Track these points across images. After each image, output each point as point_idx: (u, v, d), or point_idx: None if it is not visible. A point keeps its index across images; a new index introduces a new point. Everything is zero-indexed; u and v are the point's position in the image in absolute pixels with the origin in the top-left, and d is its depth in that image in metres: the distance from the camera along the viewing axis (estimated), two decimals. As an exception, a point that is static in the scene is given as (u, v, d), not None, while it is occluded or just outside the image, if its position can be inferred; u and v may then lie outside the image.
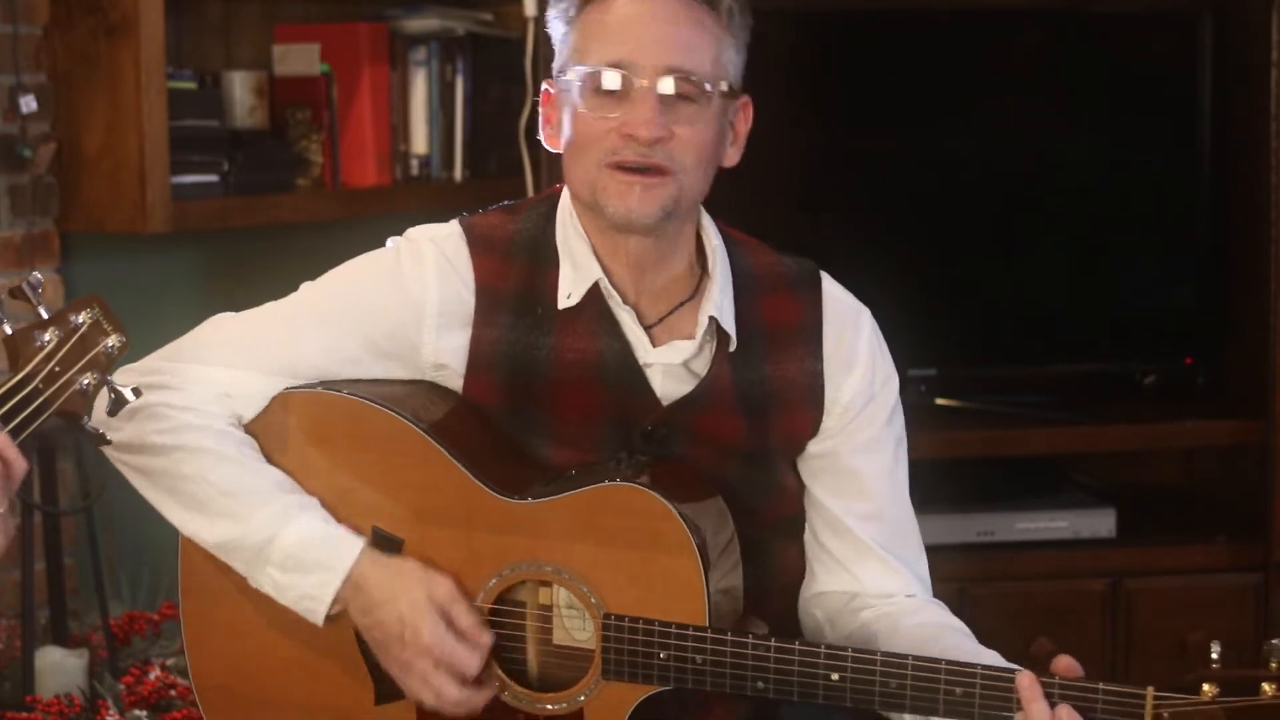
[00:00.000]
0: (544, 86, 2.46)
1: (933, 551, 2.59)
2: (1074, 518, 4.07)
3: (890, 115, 4.13)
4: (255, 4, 4.06)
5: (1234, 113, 4.11)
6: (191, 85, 3.80)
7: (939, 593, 2.56)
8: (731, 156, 2.46)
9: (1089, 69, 4.15)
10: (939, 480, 3.98)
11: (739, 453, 2.44)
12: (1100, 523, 4.07)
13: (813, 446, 2.48)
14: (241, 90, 3.94)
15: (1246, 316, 4.09)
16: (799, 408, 2.46)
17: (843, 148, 4.14)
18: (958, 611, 2.51)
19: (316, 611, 2.37)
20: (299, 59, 4.04)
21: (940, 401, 4.15)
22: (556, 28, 2.41)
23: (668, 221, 2.37)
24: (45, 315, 2.10)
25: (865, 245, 4.08)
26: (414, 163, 4.18)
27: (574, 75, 2.37)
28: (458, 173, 4.24)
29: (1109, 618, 4.04)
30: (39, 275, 2.11)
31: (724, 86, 2.37)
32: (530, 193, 4.09)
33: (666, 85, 2.33)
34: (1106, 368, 4.29)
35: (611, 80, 2.34)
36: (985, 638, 2.43)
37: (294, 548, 2.36)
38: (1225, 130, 4.12)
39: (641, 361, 2.42)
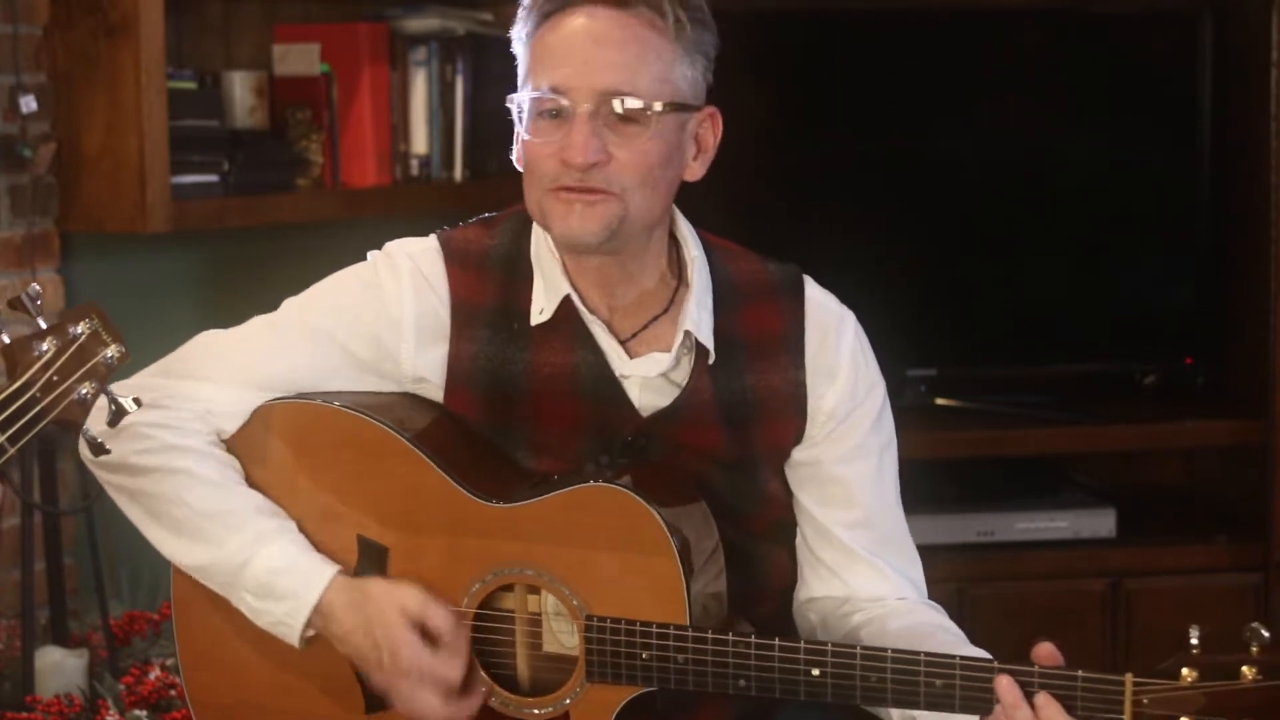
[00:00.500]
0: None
1: (932, 552, 2.58)
2: (1074, 518, 4.07)
3: (890, 115, 4.13)
4: (255, 4, 4.05)
5: (1234, 113, 4.11)
6: (191, 85, 3.79)
7: (938, 593, 2.54)
8: (695, 170, 2.40)
9: (1089, 69, 4.15)
10: (939, 480, 3.99)
11: (721, 462, 2.42)
12: (1100, 523, 4.07)
13: (797, 454, 2.46)
14: (241, 90, 3.93)
15: (1246, 316, 4.09)
16: (782, 416, 2.44)
17: (842, 148, 4.14)
18: (957, 611, 2.51)
19: (290, 637, 2.37)
20: (299, 59, 4.03)
21: (940, 401, 4.15)
22: (517, 50, 2.37)
23: (614, 241, 2.33)
24: (44, 325, 2.11)
25: (866, 245, 4.08)
26: (414, 163, 4.17)
27: (520, 100, 2.34)
28: (458, 173, 4.22)
29: (1109, 618, 4.04)
30: (37, 287, 2.11)
31: (659, 106, 2.30)
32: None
33: (601, 109, 2.29)
34: (1106, 368, 4.29)
35: (549, 105, 2.31)
36: (985, 637, 2.41)
37: (266, 575, 2.36)
38: (1225, 130, 4.12)
39: (618, 373, 2.40)
